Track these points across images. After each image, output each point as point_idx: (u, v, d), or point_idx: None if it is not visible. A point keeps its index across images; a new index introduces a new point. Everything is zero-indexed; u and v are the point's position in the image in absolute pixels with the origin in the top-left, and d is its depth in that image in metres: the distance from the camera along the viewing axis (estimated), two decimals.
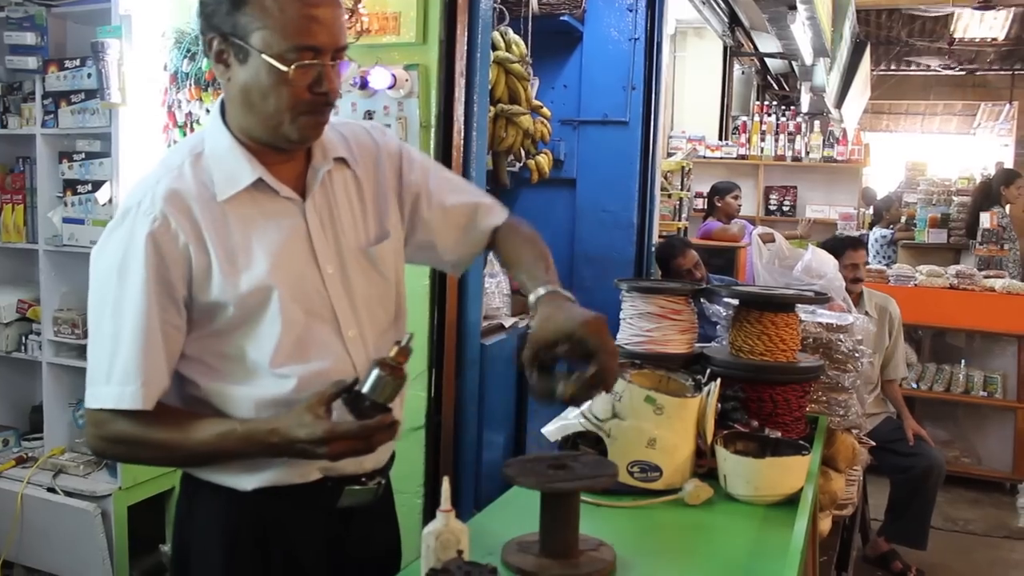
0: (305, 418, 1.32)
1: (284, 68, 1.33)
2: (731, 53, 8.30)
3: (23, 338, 3.51)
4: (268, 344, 1.40)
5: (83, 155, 3.31)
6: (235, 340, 1.41)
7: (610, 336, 1.37)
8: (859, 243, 4.30)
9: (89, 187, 3.27)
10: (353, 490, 1.53)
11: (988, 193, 6.97)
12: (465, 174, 2.96)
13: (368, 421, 1.33)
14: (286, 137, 1.40)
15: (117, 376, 1.35)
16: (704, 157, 7.60)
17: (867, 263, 4.24)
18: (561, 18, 4.07)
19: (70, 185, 3.32)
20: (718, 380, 2.00)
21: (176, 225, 1.35)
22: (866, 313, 3.97)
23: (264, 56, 1.33)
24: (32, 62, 3.29)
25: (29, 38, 3.27)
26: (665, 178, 5.63)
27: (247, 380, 1.42)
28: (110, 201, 3.15)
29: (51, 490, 3.26)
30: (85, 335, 3.30)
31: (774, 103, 9.21)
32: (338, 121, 1.55)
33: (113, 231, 1.38)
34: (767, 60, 9.25)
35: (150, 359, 1.35)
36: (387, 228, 1.56)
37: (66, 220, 3.33)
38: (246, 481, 1.43)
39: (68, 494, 3.23)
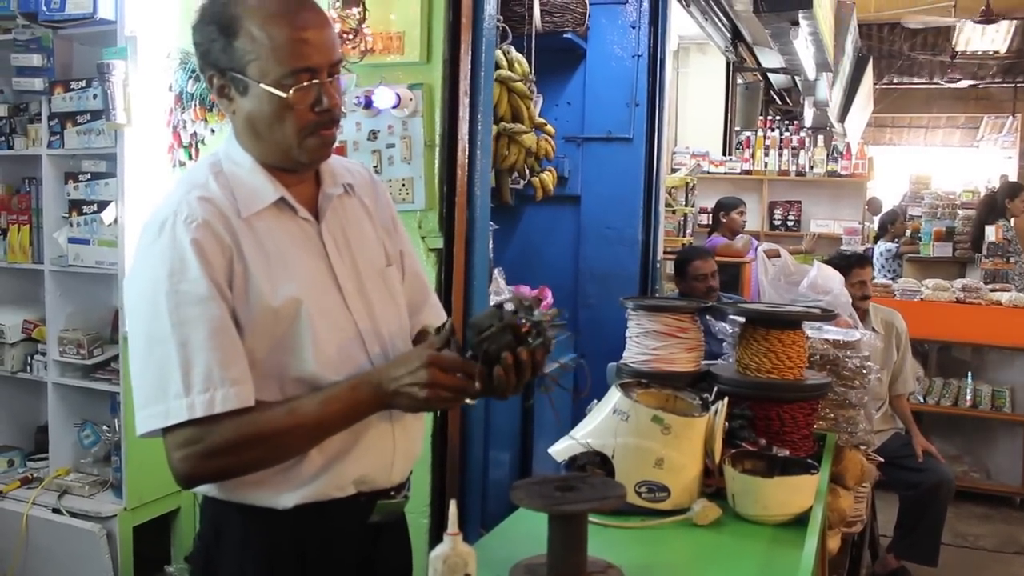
0: (410, 358, 1.37)
1: (283, 94, 1.36)
2: (734, 68, 8.31)
3: (28, 358, 3.52)
4: (302, 357, 1.41)
5: (89, 175, 3.32)
6: (266, 354, 1.39)
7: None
8: (865, 260, 4.29)
9: (95, 207, 3.28)
10: (384, 504, 1.53)
11: (993, 206, 6.97)
12: (469, 192, 2.96)
13: (472, 362, 1.35)
14: (297, 160, 1.44)
15: (199, 384, 1.30)
16: (708, 173, 7.59)
17: (873, 278, 4.24)
18: (564, 36, 4.08)
19: (76, 205, 3.33)
20: (725, 399, 1.99)
21: (218, 229, 1.36)
22: (873, 329, 3.95)
23: (262, 85, 1.36)
24: (38, 83, 3.31)
25: (36, 59, 3.29)
26: (669, 194, 5.63)
27: (280, 395, 1.41)
28: (115, 221, 3.16)
29: (56, 511, 3.25)
30: (90, 355, 3.34)
31: (777, 118, 9.22)
32: (338, 158, 1.59)
33: (151, 246, 1.36)
34: (770, 75, 9.26)
35: (234, 356, 1.33)
36: (393, 255, 1.61)
37: (71, 240, 3.34)
38: (286, 498, 1.42)
39: (73, 515, 3.23)
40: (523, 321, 1.36)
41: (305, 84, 1.37)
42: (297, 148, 1.41)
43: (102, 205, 3.26)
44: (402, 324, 1.60)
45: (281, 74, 1.36)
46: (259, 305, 1.37)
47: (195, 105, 3.03)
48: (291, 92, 1.36)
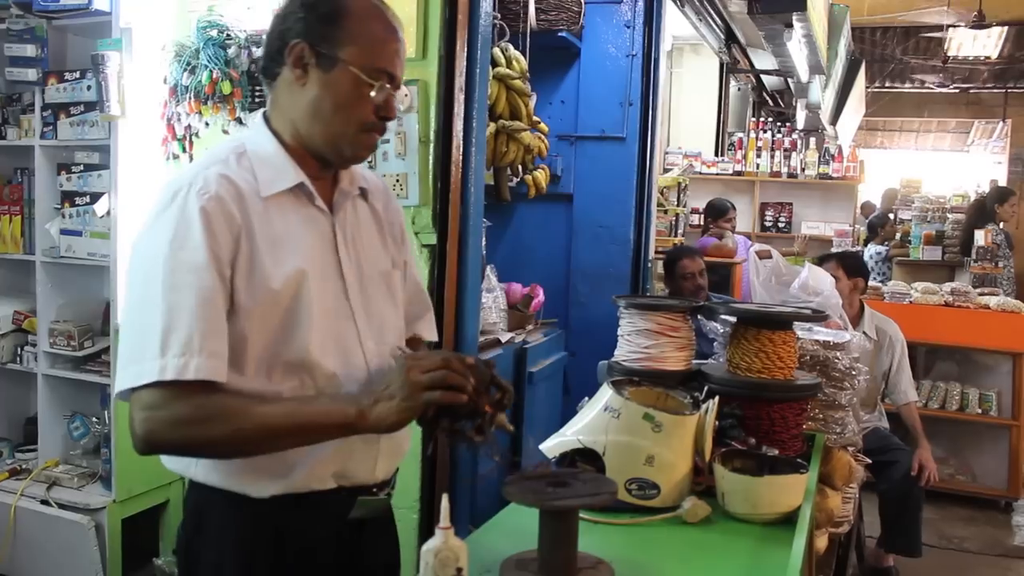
0: (389, 373, 1.38)
1: (372, 82, 1.43)
2: (727, 70, 8.33)
3: (18, 349, 3.51)
4: (297, 340, 1.42)
5: (82, 167, 3.32)
6: (261, 336, 1.40)
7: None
8: (823, 259, 4.33)
9: (87, 199, 3.28)
10: (365, 500, 1.54)
11: (982, 211, 7.03)
12: (463, 189, 2.97)
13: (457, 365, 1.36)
14: (341, 152, 1.48)
15: (176, 348, 1.30)
16: (700, 173, 7.61)
17: (839, 277, 4.15)
18: (559, 34, 4.09)
19: (68, 197, 3.32)
20: (716, 397, 2.00)
21: (229, 205, 1.38)
22: (864, 333, 3.96)
23: (352, 68, 1.42)
24: (32, 74, 3.30)
25: (29, 50, 3.28)
26: (661, 194, 5.64)
27: (267, 380, 1.41)
28: (108, 213, 3.16)
29: (44, 502, 3.25)
30: (81, 347, 3.34)
31: (770, 119, 9.24)
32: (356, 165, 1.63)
33: (162, 213, 1.37)
34: (763, 77, 9.28)
35: (217, 330, 1.34)
36: (398, 261, 1.65)
37: (64, 232, 3.33)
38: (264, 488, 1.43)
39: (62, 506, 3.22)
40: (494, 402, 1.40)
41: (386, 84, 1.45)
42: (350, 139, 1.46)
43: (95, 197, 3.25)
44: (398, 326, 1.62)
45: (370, 68, 1.43)
46: (262, 286, 1.38)
47: (190, 98, 3.02)
48: (376, 85, 1.43)
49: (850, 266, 4.27)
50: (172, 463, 1.49)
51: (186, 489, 1.53)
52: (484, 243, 3.29)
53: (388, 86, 1.45)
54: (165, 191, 1.39)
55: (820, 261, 4.30)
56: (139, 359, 1.32)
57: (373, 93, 1.43)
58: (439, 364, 1.34)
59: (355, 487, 1.52)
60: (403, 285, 1.66)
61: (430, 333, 1.76)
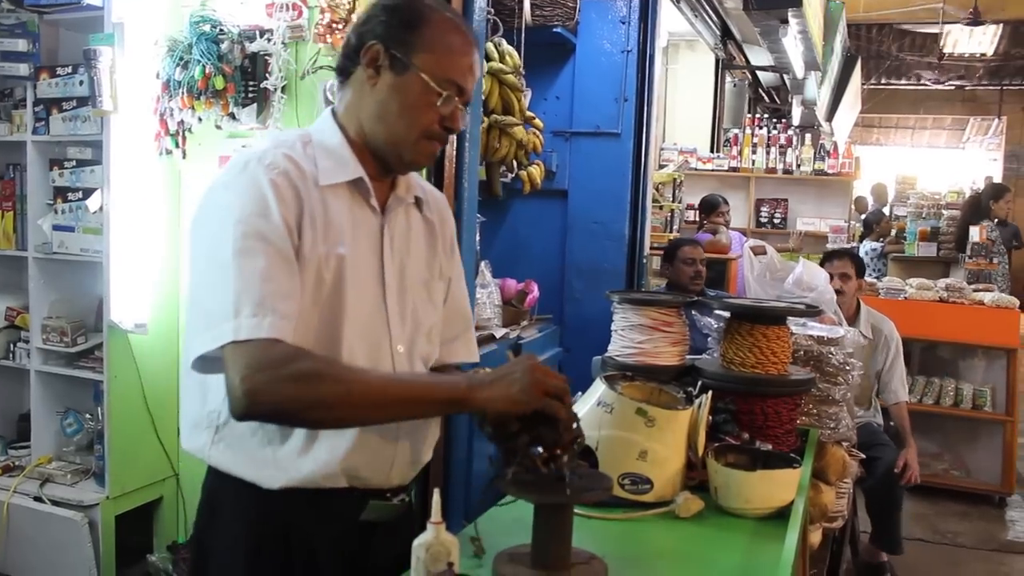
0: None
1: (440, 91, 1.44)
2: (723, 66, 8.33)
3: (11, 346, 3.50)
4: (327, 334, 1.42)
5: (74, 162, 3.31)
6: (301, 316, 1.38)
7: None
8: (835, 255, 4.33)
9: (80, 194, 3.26)
10: (377, 504, 1.54)
11: (977, 207, 7.03)
12: (457, 184, 2.96)
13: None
14: (401, 157, 1.49)
15: (248, 309, 1.30)
16: (696, 169, 7.61)
17: (850, 275, 4.15)
18: (554, 30, 4.08)
19: (60, 192, 3.31)
20: (709, 392, 2.00)
21: (296, 181, 1.40)
22: (859, 331, 3.96)
23: (423, 74, 1.44)
24: (24, 69, 3.28)
25: (21, 44, 3.27)
26: (657, 190, 5.64)
27: None
28: (100, 209, 3.14)
29: (38, 499, 3.23)
30: (73, 343, 3.33)
31: (765, 116, 9.24)
32: (416, 175, 1.64)
33: (230, 182, 1.40)
34: (759, 73, 9.28)
35: (288, 292, 1.34)
36: (444, 273, 1.66)
37: (56, 227, 3.32)
38: (273, 478, 1.43)
39: (55, 503, 3.21)
40: (570, 443, 1.43)
41: (454, 95, 1.47)
42: (411, 144, 1.48)
43: (87, 192, 3.24)
44: (432, 338, 1.62)
45: (440, 77, 1.45)
46: (311, 264, 1.40)
47: (182, 93, 3.01)
48: (444, 94, 1.45)
49: (860, 266, 4.29)
50: (190, 443, 1.50)
51: (205, 474, 1.54)
52: (478, 238, 3.29)
53: (456, 98, 1.47)
54: (233, 164, 1.42)
55: (828, 257, 4.29)
56: (212, 324, 1.31)
57: (439, 102, 1.45)
58: (563, 379, 1.39)
59: (368, 489, 1.52)
60: (444, 299, 1.66)
61: (468, 354, 1.73)
